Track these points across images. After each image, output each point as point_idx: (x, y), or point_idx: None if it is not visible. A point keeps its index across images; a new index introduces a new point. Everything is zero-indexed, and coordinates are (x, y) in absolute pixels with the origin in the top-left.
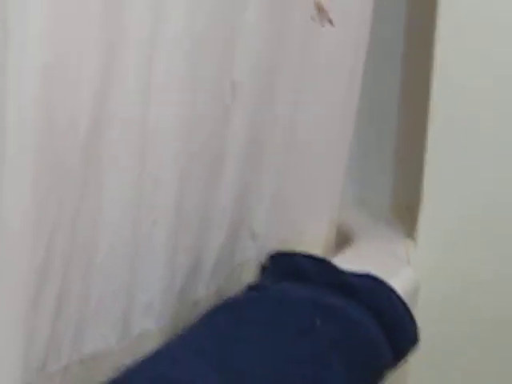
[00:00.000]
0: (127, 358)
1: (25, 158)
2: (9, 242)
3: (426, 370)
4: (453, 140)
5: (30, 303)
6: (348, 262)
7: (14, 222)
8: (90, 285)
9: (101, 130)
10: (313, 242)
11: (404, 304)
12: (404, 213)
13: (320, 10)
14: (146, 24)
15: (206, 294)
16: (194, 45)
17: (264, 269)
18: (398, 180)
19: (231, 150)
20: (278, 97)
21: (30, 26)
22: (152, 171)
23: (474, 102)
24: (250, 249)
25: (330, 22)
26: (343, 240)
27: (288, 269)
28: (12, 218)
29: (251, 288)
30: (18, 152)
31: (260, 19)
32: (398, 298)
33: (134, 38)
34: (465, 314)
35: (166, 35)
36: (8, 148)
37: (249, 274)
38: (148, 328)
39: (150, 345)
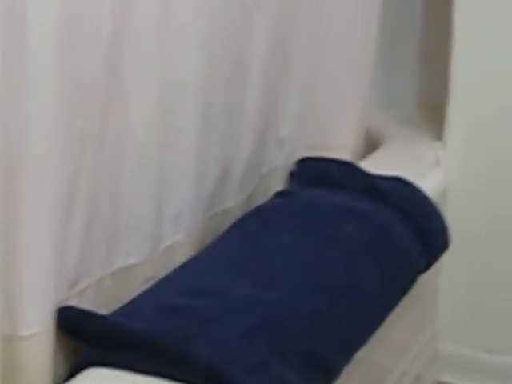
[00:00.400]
0: (159, 270)
1: (48, 72)
2: (39, 156)
3: (457, 271)
4: (479, 37)
5: (61, 216)
6: (376, 165)
7: (42, 134)
8: (119, 197)
9: (123, 40)
10: (341, 146)
11: (434, 207)
12: (431, 113)
13: None
14: None
15: (235, 204)
16: None
17: (292, 175)
18: (423, 79)
19: (255, 55)
20: (301, 5)
21: None
22: (176, 78)
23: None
24: (278, 156)
25: None
26: (372, 144)
27: (316, 174)
28: (40, 130)
29: (279, 195)
30: (42, 66)
31: None
32: (429, 201)
33: None
34: (495, 214)
35: None
36: (30, 63)
37: (278, 182)
38: (178, 239)
39: (182, 256)
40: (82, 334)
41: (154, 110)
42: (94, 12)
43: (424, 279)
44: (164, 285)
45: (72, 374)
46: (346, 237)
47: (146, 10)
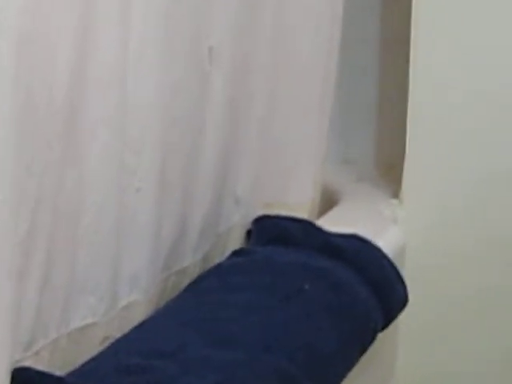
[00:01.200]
0: (115, 330)
1: (2, 129)
2: None
3: (414, 331)
4: (435, 96)
5: (15, 278)
6: (334, 223)
7: None
8: (75, 257)
9: (79, 100)
10: (298, 204)
11: (392, 265)
12: (389, 171)
13: None
14: None
15: (192, 263)
16: (168, 11)
17: (249, 234)
18: (381, 138)
19: (211, 115)
20: (256, 58)
21: None
22: (133, 139)
23: (456, 57)
24: (235, 214)
25: None
26: (328, 202)
27: (273, 233)
28: None
29: (236, 253)
30: None
31: None
32: (386, 258)
33: (108, 7)
34: (453, 272)
35: (140, 3)
36: None
37: (235, 241)
38: (135, 298)
39: (138, 315)
40: None
41: (111, 169)
42: (49, 70)
43: (382, 337)
44: (121, 345)
45: None
46: (303, 295)
47: (103, 65)
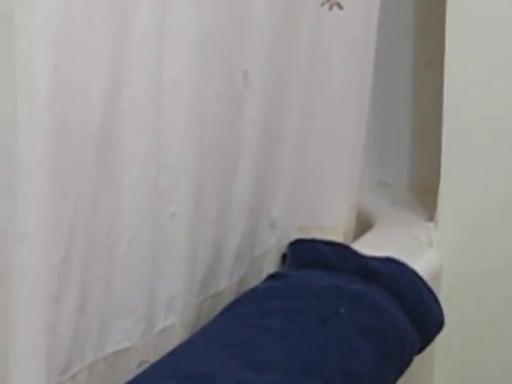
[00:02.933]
0: (151, 354)
1: (38, 155)
2: (29, 242)
3: (451, 353)
4: (469, 117)
5: (51, 303)
6: (369, 246)
7: (32, 221)
8: (111, 281)
9: (114, 126)
10: (333, 228)
11: (428, 288)
12: (423, 195)
13: None
14: (154, 19)
15: (227, 287)
16: (203, 38)
17: (285, 257)
18: (415, 161)
19: (247, 140)
20: (292, 81)
21: (38, 24)
22: (168, 165)
23: (490, 79)
24: (270, 238)
25: (339, 5)
26: (364, 225)
27: (309, 256)
28: (30, 216)
29: (272, 277)
30: (32, 152)
31: (269, 8)
32: (422, 281)
33: (142, 33)
34: (489, 295)
35: (174, 30)
36: (21, 148)
37: (270, 264)
38: (171, 322)
39: (174, 340)
40: None
41: (146, 194)
42: (86, 91)
43: (419, 360)
44: (157, 369)
45: None
46: (339, 318)
47: (137, 92)
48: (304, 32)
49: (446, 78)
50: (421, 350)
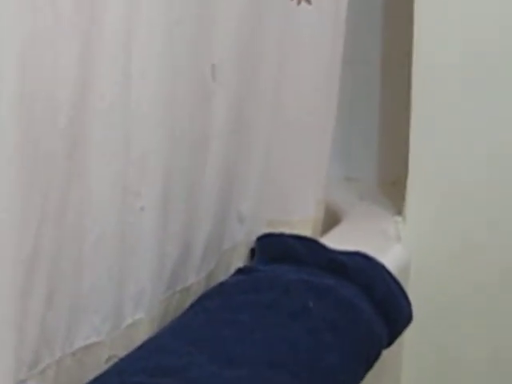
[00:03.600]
0: (119, 349)
1: (6, 149)
2: None
3: (420, 346)
4: (437, 112)
5: (19, 297)
6: (337, 241)
7: (1, 215)
8: (80, 275)
9: (82, 118)
10: (301, 222)
11: (396, 281)
12: (391, 189)
13: None
14: (121, 12)
15: (196, 281)
16: (170, 31)
17: (253, 252)
18: (383, 156)
19: (215, 133)
20: (261, 75)
21: (2, 16)
22: (136, 158)
23: (457, 75)
24: (239, 232)
25: (308, 0)
26: (332, 219)
27: (277, 251)
28: None
29: (241, 271)
30: (0, 148)
31: (237, 1)
32: (390, 275)
33: (110, 24)
34: (456, 288)
35: (142, 23)
36: None
37: (239, 259)
38: (139, 317)
39: (142, 334)
40: None
41: (115, 189)
42: (54, 85)
43: (387, 354)
44: (125, 364)
45: None
46: (308, 313)
47: (106, 86)
48: (272, 26)
49: (413, 73)
50: (389, 343)
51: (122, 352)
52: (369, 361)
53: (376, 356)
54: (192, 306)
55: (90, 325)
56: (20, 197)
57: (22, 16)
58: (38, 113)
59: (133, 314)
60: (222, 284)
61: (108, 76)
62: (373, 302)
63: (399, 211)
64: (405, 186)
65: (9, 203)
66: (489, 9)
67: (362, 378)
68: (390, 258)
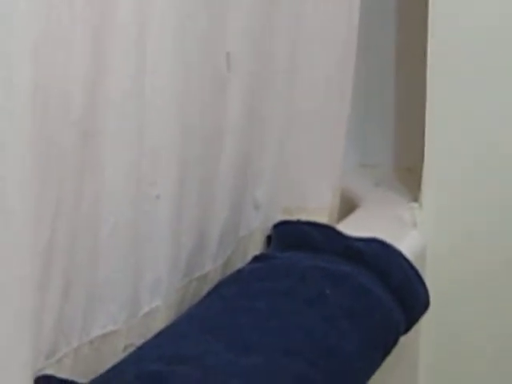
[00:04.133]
0: (137, 337)
1: (21, 142)
2: (11, 227)
3: (437, 332)
4: (453, 99)
5: (36, 288)
6: (353, 227)
7: (15, 206)
8: (96, 265)
9: (96, 110)
10: (317, 209)
11: (413, 268)
12: (407, 175)
13: None
14: (133, 3)
15: (212, 269)
16: (183, 20)
17: (269, 239)
18: (399, 142)
19: (230, 121)
20: (275, 64)
21: (16, 9)
22: (151, 148)
23: (473, 59)
24: (255, 219)
25: None
26: (348, 206)
27: (293, 238)
28: (13, 202)
29: (257, 259)
30: (14, 136)
31: None
32: (407, 261)
33: (122, 17)
34: (473, 274)
35: (155, 14)
36: (3, 133)
37: (255, 246)
38: (156, 305)
39: (159, 323)
40: None
41: (130, 178)
42: (67, 79)
43: (405, 340)
44: (142, 352)
45: None
46: (324, 300)
47: (120, 78)
48: (286, 14)
49: (429, 60)
50: (406, 330)
51: (139, 340)
52: (386, 348)
53: (393, 343)
54: (209, 293)
55: (107, 314)
56: (34, 190)
57: (35, 12)
58: (51, 107)
59: (149, 303)
60: (238, 271)
61: (122, 67)
62: (389, 289)
63: (415, 197)
64: (421, 173)
65: (24, 196)
66: None
67: (379, 364)
68: (406, 245)
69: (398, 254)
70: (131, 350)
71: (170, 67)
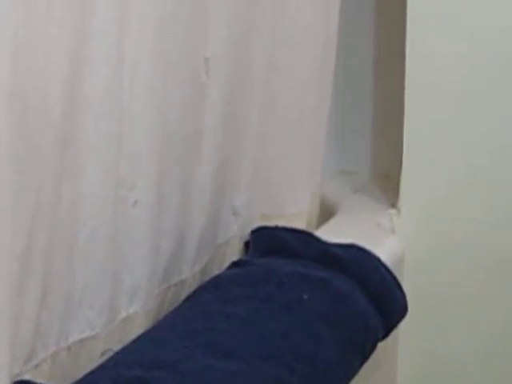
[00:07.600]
0: (115, 343)
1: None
2: None
3: (414, 339)
4: (431, 106)
5: (13, 293)
6: (332, 234)
7: None
8: (73, 270)
9: (74, 114)
10: (295, 215)
11: (391, 273)
12: (385, 182)
13: None
14: (114, 6)
15: (190, 275)
16: (162, 25)
17: (247, 245)
18: (377, 150)
19: (208, 127)
20: (253, 69)
21: None
22: (129, 153)
23: (451, 67)
24: (233, 225)
25: None
26: (326, 212)
27: (271, 244)
28: None
29: (235, 265)
30: None
31: None
32: (385, 267)
33: (102, 21)
34: (450, 280)
35: (134, 17)
36: None
37: (233, 252)
38: (134, 311)
39: (137, 328)
40: None
41: (108, 183)
42: (45, 82)
43: (383, 346)
44: (120, 357)
45: None
46: (302, 305)
47: (98, 83)
48: (264, 18)
49: (407, 66)
50: (384, 336)
51: (117, 346)
52: (364, 353)
53: (372, 348)
54: (187, 299)
55: (85, 319)
56: (12, 193)
57: (13, 12)
58: (30, 110)
59: (127, 308)
60: (216, 277)
61: (100, 70)
62: (368, 294)
63: (393, 204)
64: (399, 179)
65: (1, 200)
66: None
67: (357, 370)
68: (384, 251)
69: (376, 260)
70: (109, 355)
71: (149, 71)
